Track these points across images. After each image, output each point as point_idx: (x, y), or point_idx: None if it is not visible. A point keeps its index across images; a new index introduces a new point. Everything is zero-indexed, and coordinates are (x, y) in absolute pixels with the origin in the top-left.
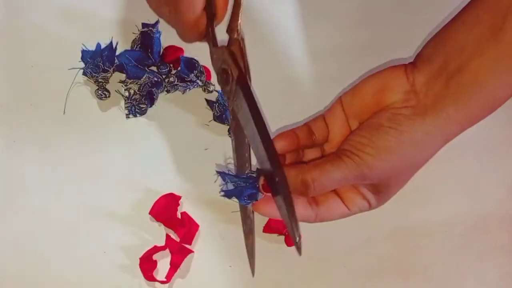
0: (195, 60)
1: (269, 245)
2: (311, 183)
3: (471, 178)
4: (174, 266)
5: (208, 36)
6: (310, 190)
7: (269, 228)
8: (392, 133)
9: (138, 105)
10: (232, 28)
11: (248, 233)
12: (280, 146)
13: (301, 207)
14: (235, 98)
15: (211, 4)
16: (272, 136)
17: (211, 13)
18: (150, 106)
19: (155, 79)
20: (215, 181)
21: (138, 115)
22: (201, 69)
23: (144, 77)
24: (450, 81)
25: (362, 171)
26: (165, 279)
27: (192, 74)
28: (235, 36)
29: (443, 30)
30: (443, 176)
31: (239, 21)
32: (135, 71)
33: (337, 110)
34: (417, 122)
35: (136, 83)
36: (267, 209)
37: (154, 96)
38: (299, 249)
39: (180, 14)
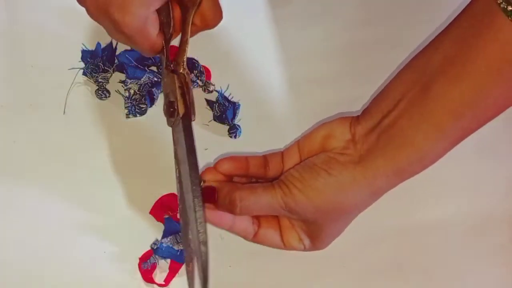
0: (195, 60)
1: None
2: (238, 202)
3: (471, 178)
4: (173, 271)
5: (163, 53)
6: (236, 208)
7: None
8: (322, 174)
9: (138, 105)
10: (178, 62)
11: (189, 261)
12: (226, 167)
13: (245, 220)
14: (177, 131)
15: (168, 23)
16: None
17: (168, 31)
18: (150, 106)
19: (155, 79)
20: None
21: (138, 115)
22: (201, 69)
23: (144, 77)
24: (381, 136)
25: (287, 202)
26: (163, 283)
27: (192, 74)
28: (181, 70)
29: (386, 86)
30: (443, 176)
31: (185, 57)
32: (135, 71)
33: (293, 149)
34: (347, 168)
35: (136, 83)
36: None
37: (154, 96)
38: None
39: (135, 45)
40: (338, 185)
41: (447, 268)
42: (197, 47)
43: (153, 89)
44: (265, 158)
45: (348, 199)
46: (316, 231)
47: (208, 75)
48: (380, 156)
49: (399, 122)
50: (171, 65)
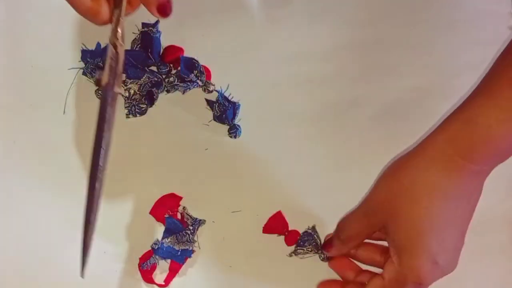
0: (195, 60)
1: (269, 245)
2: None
3: None
4: (173, 271)
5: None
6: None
7: (268, 228)
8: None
9: (138, 105)
10: (113, 33)
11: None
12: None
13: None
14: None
15: None
16: None
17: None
18: (150, 106)
19: (155, 79)
20: None
21: (138, 115)
22: (201, 69)
23: (144, 77)
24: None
25: (363, 203)
26: (163, 283)
27: (192, 74)
28: (115, 41)
29: None
30: None
31: (120, 29)
32: (135, 71)
33: None
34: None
35: (136, 83)
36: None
37: (154, 96)
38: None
39: (75, 9)
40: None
41: None
42: (197, 47)
43: (153, 89)
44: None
45: (408, 175)
46: (395, 234)
47: (208, 75)
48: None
49: None
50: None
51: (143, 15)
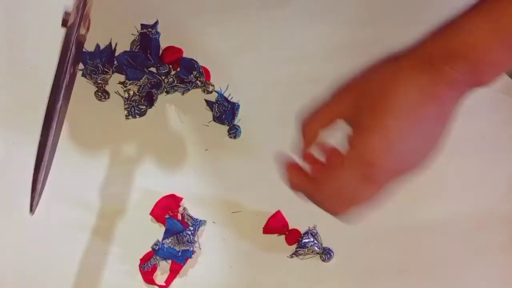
0: (194, 60)
1: (269, 245)
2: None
3: (472, 176)
4: (174, 272)
5: None
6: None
7: (268, 228)
8: None
9: (137, 106)
10: None
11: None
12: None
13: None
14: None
15: None
16: None
17: None
18: (150, 107)
19: (155, 80)
20: None
21: (137, 116)
22: (200, 69)
23: (143, 78)
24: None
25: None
26: (164, 284)
27: (191, 75)
28: None
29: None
30: (443, 175)
31: None
32: (135, 72)
33: None
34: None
35: (136, 84)
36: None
37: (154, 97)
38: None
39: None
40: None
41: (447, 268)
42: (196, 48)
43: (153, 90)
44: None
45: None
46: (358, 108)
47: (208, 76)
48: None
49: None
50: None
51: (142, 16)
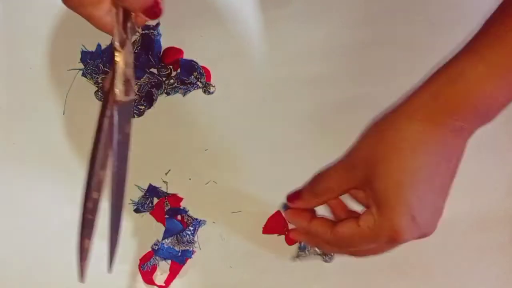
0: (194, 62)
1: (269, 245)
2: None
3: (471, 176)
4: (174, 272)
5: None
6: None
7: (268, 228)
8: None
9: (136, 106)
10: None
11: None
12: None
13: (320, 223)
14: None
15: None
16: None
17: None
18: (149, 108)
19: (155, 80)
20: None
21: (136, 116)
22: (201, 70)
23: (144, 78)
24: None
25: (344, 157)
26: (163, 284)
27: (192, 76)
28: (115, 46)
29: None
30: None
31: (129, 34)
32: (136, 71)
33: None
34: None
35: (136, 84)
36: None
37: (154, 97)
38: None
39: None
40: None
41: (447, 267)
42: (197, 48)
43: (153, 90)
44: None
45: (393, 130)
46: (376, 187)
47: (208, 76)
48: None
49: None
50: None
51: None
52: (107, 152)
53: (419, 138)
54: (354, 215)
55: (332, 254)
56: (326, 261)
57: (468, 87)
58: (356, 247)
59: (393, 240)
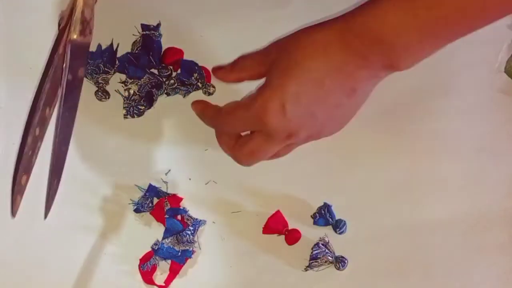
0: (194, 62)
1: (269, 245)
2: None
3: (471, 176)
4: (174, 272)
5: None
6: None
7: (268, 228)
8: None
9: (136, 106)
10: None
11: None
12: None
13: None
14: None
15: None
16: None
17: None
18: (149, 108)
19: (156, 81)
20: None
21: (135, 116)
22: (201, 71)
23: (144, 78)
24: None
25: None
26: (163, 284)
27: (192, 78)
28: None
29: None
30: (443, 174)
31: None
32: (136, 71)
33: None
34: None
35: (136, 84)
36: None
37: (154, 97)
38: None
39: None
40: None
41: (447, 267)
42: (197, 48)
43: (153, 90)
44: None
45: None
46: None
47: (208, 76)
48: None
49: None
50: None
51: (144, 17)
52: (56, 91)
53: (325, 46)
54: None
55: (346, 262)
56: (338, 268)
57: (384, 21)
58: (230, 122)
59: (259, 119)
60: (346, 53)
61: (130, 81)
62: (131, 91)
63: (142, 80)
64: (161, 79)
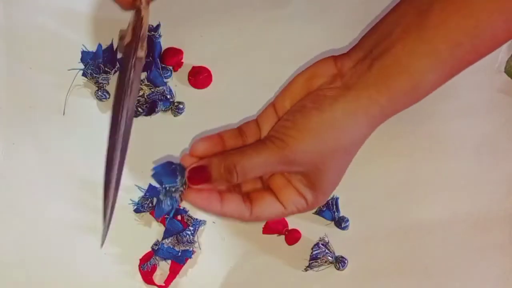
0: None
1: (269, 245)
2: (233, 168)
3: (471, 176)
4: (174, 272)
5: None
6: (233, 175)
7: (268, 228)
8: (314, 113)
9: (136, 107)
10: None
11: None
12: (202, 148)
13: (235, 204)
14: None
15: None
16: None
17: None
18: (146, 115)
19: (167, 95)
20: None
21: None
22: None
23: (159, 88)
24: (374, 64)
25: (284, 154)
26: (163, 284)
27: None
28: (138, 4)
29: (379, 21)
30: (443, 175)
31: None
32: (158, 77)
33: (269, 111)
34: (338, 101)
35: (150, 88)
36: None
37: (156, 109)
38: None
39: None
40: (332, 121)
41: (447, 268)
42: (197, 48)
43: (159, 102)
44: (239, 129)
45: (346, 134)
46: (317, 179)
47: (209, 76)
48: (373, 85)
49: (393, 49)
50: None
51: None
52: (129, 104)
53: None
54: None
55: (346, 262)
56: (338, 268)
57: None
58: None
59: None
60: (372, 128)
61: (146, 83)
62: (141, 92)
63: (157, 88)
64: (172, 99)
